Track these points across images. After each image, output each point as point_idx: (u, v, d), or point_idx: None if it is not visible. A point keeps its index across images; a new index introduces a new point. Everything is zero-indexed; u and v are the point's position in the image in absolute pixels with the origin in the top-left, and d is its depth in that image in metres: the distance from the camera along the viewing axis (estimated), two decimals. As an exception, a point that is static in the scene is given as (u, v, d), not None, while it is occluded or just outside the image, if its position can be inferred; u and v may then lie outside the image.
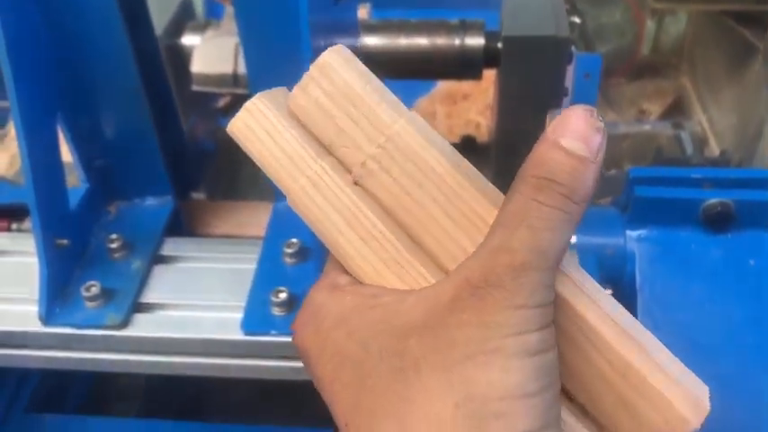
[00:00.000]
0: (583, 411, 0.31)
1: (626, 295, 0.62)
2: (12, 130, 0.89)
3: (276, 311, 0.56)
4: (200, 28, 0.76)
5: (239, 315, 0.57)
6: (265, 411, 0.83)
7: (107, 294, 0.58)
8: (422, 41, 0.78)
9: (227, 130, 0.33)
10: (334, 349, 0.30)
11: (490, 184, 0.31)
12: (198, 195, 0.76)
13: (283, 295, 0.56)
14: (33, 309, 0.57)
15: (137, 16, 0.60)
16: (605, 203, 0.93)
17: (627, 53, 1.40)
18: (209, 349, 0.57)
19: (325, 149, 0.32)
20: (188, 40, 0.75)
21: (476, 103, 1.11)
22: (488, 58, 0.77)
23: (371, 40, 0.78)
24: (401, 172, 0.31)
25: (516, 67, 0.76)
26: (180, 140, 0.69)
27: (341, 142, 0.32)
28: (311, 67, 0.32)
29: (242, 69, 0.68)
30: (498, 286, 0.26)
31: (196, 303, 0.59)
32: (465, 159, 0.32)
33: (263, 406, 0.84)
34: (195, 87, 0.72)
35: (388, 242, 0.31)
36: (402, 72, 0.81)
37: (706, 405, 0.30)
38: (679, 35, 1.40)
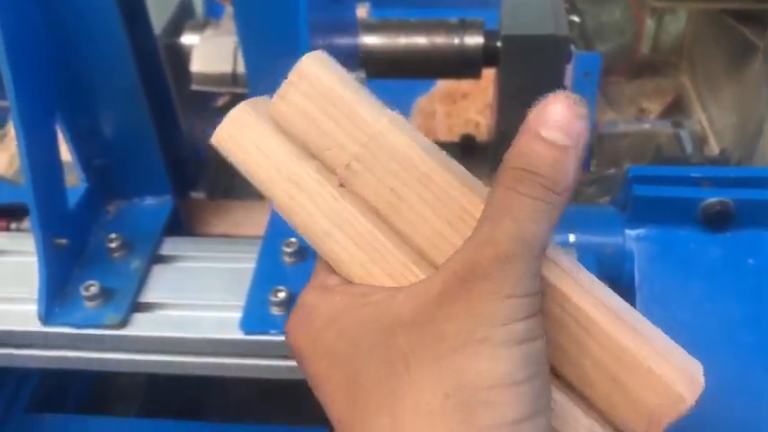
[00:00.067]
0: (580, 397, 0.31)
1: (625, 294, 0.61)
2: (11, 129, 0.89)
3: (275, 311, 0.56)
4: (200, 27, 0.76)
5: (238, 314, 0.57)
6: (265, 411, 0.83)
7: (106, 294, 0.58)
8: (421, 40, 0.78)
9: (212, 140, 0.33)
10: (325, 348, 0.30)
11: (475, 179, 0.31)
12: (197, 195, 0.76)
13: (282, 295, 0.56)
14: (32, 308, 0.57)
15: (135, 15, 0.60)
16: (604, 202, 0.94)
17: (627, 52, 1.40)
18: (209, 349, 0.57)
19: (310, 154, 0.32)
20: (187, 39, 0.75)
21: (475, 102, 1.11)
22: (488, 57, 0.77)
23: (371, 40, 0.78)
24: (385, 170, 0.31)
25: (515, 66, 0.76)
26: (179, 140, 0.69)
27: (324, 145, 0.32)
28: (290, 74, 0.32)
29: (241, 69, 0.68)
30: (484, 277, 0.27)
31: (195, 303, 0.59)
32: (448, 155, 0.32)
33: (263, 405, 0.84)
34: (194, 87, 0.72)
35: (376, 241, 0.31)
36: (401, 71, 0.81)
37: (700, 381, 0.30)
38: (679, 34, 1.40)
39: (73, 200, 0.62)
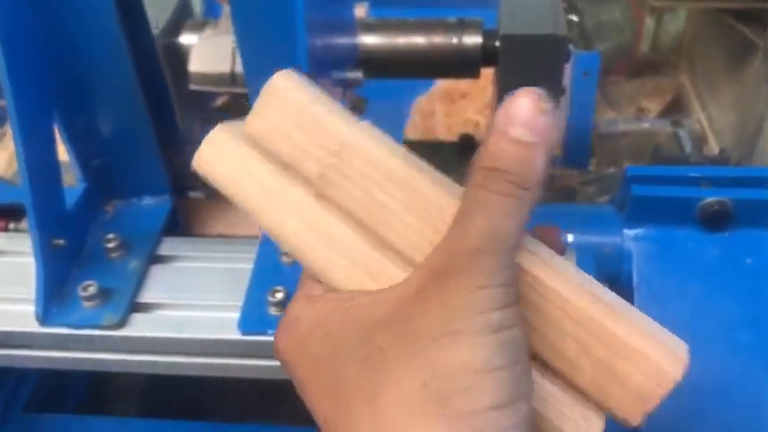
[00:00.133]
0: (569, 384, 0.31)
1: (623, 294, 0.61)
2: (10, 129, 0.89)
3: (273, 311, 0.56)
4: (198, 27, 0.76)
5: (236, 315, 0.57)
6: (265, 411, 0.83)
7: (104, 294, 0.58)
8: (420, 40, 0.78)
9: (193, 165, 0.34)
10: (309, 354, 0.31)
11: (448, 179, 0.32)
12: (195, 195, 0.76)
13: (280, 295, 0.56)
14: (30, 309, 0.57)
15: (133, 14, 0.60)
16: (603, 201, 0.94)
17: (626, 51, 1.40)
18: (207, 349, 0.57)
19: (286, 168, 0.33)
20: (186, 39, 0.75)
21: (474, 101, 1.11)
22: (486, 56, 0.77)
23: (369, 39, 0.78)
24: (361, 176, 0.32)
25: (514, 65, 0.76)
26: (177, 139, 0.69)
27: (298, 157, 0.32)
28: (262, 92, 0.33)
29: (240, 68, 0.68)
30: (458, 272, 0.28)
31: (193, 303, 0.59)
32: (419, 158, 0.32)
33: (263, 405, 0.84)
34: (193, 86, 0.71)
35: (356, 247, 0.32)
36: (400, 71, 0.81)
37: (684, 357, 0.30)
38: (678, 33, 1.40)
39: (70, 200, 0.62)
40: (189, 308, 0.59)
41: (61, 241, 0.58)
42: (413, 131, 1.16)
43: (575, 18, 1.24)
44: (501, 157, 0.28)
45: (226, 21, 0.74)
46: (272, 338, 0.55)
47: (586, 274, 0.32)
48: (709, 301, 0.59)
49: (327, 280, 0.32)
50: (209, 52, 0.71)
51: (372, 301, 0.30)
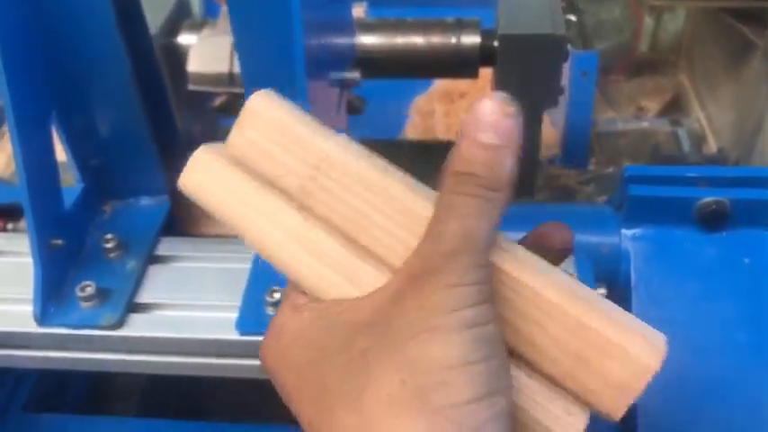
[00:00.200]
0: (551, 380, 0.31)
1: (621, 294, 0.62)
2: (9, 129, 0.89)
3: (271, 311, 0.56)
4: (197, 27, 0.76)
5: (234, 315, 0.57)
6: (264, 411, 0.83)
7: (102, 294, 0.58)
8: (418, 40, 0.78)
9: (178, 186, 0.35)
10: (293, 362, 0.32)
11: (426, 188, 0.33)
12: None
13: (278, 295, 0.56)
14: (28, 309, 0.57)
15: (130, 15, 0.60)
16: (602, 201, 0.94)
17: (625, 50, 1.40)
18: (205, 349, 0.57)
19: (269, 184, 0.34)
20: (184, 39, 0.75)
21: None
22: (485, 56, 0.77)
23: (368, 39, 0.78)
24: (339, 187, 0.33)
25: (512, 65, 0.76)
26: (175, 139, 0.69)
27: (279, 172, 0.34)
28: (242, 111, 0.34)
29: (238, 68, 0.68)
30: (433, 273, 0.29)
31: (191, 303, 0.59)
32: (397, 168, 0.33)
33: (262, 405, 0.84)
34: (191, 87, 0.72)
35: (339, 256, 0.33)
36: (398, 71, 0.81)
37: (662, 347, 0.30)
38: (677, 32, 1.40)
39: (69, 200, 0.62)
40: (187, 308, 0.59)
41: (59, 241, 0.58)
42: (412, 131, 1.16)
43: (573, 18, 1.24)
44: (470, 162, 0.29)
45: (224, 21, 0.74)
46: (269, 338, 0.55)
47: (560, 270, 0.33)
48: (706, 301, 0.59)
49: (311, 290, 0.33)
50: (207, 52, 0.71)
51: (353, 307, 0.31)
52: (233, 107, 0.73)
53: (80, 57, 0.58)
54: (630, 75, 1.39)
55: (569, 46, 0.77)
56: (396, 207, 0.32)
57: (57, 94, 0.59)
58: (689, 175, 0.61)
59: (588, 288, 0.32)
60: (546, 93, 0.77)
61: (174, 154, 0.68)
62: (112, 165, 0.65)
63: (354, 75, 0.70)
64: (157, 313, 0.59)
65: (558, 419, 0.31)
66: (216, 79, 0.71)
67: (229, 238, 0.68)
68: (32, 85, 0.55)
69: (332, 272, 0.33)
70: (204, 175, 0.35)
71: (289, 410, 0.33)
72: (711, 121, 1.22)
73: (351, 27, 0.76)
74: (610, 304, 0.32)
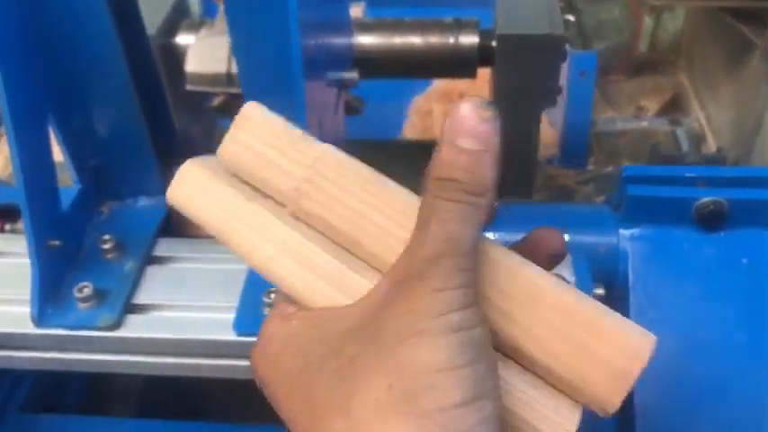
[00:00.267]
0: (545, 373, 0.32)
1: (619, 294, 0.62)
2: (7, 130, 0.89)
3: (268, 312, 0.56)
4: (195, 27, 0.76)
5: (232, 316, 0.57)
6: (263, 411, 0.83)
7: (100, 295, 0.58)
8: (416, 40, 0.78)
9: (167, 199, 0.36)
10: (282, 371, 0.32)
11: (412, 193, 0.34)
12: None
13: (275, 296, 0.56)
14: (26, 310, 0.57)
15: (127, 15, 0.60)
16: (601, 200, 0.93)
17: (625, 50, 1.40)
18: (202, 350, 0.57)
19: (258, 191, 0.34)
20: (182, 39, 0.75)
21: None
22: (483, 56, 0.77)
23: (366, 39, 0.78)
24: (336, 187, 0.33)
25: (511, 65, 0.76)
26: (173, 140, 0.69)
27: (272, 175, 0.34)
28: (236, 118, 0.35)
29: (236, 69, 0.68)
30: (419, 277, 0.29)
31: (189, 304, 0.59)
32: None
33: (262, 406, 0.83)
34: (189, 87, 0.71)
35: (328, 263, 0.33)
36: (397, 71, 0.81)
37: (652, 336, 0.31)
38: (677, 32, 1.40)
39: (66, 201, 0.62)
40: (185, 309, 0.59)
41: (56, 242, 0.58)
42: (411, 131, 1.16)
43: (571, 18, 1.24)
44: (451, 167, 0.29)
45: (222, 21, 0.74)
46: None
47: (549, 273, 0.33)
48: (705, 301, 0.59)
49: (301, 299, 0.33)
50: (205, 53, 0.71)
51: (341, 314, 0.31)
52: (231, 107, 0.73)
53: (77, 57, 0.58)
54: (630, 74, 1.39)
55: (568, 46, 0.77)
56: (396, 207, 0.32)
57: (54, 94, 0.59)
58: (687, 175, 0.61)
59: (576, 288, 0.33)
60: (544, 93, 0.77)
61: (172, 154, 0.68)
62: (110, 165, 0.65)
63: (352, 75, 0.70)
64: (155, 314, 0.59)
65: (547, 420, 0.31)
66: (214, 79, 0.71)
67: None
68: (29, 85, 0.55)
69: (320, 281, 0.33)
70: (192, 188, 0.35)
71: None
72: (711, 120, 1.22)
73: (348, 27, 0.76)
74: (597, 302, 0.32)
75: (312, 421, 0.30)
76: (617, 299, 0.61)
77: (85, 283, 0.58)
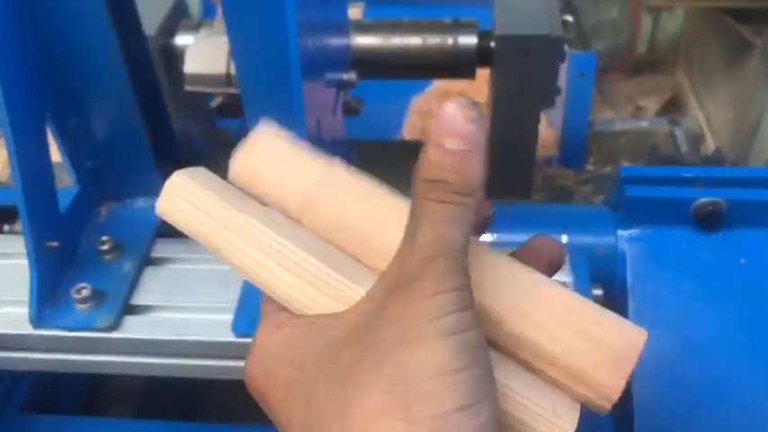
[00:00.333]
0: (550, 367, 0.32)
1: (617, 294, 0.62)
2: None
3: (267, 313, 0.56)
4: (194, 28, 0.76)
5: (230, 316, 0.57)
6: (260, 413, 0.83)
7: (98, 296, 0.58)
8: (415, 41, 0.78)
9: (156, 213, 0.36)
10: (278, 380, 0.31)
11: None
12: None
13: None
14: (24, 311, 0.57)
15: (125, 16, 0.60)
16: (600, 201, 0.93)
17: (624, 50, 1.40)
18: (201, 351, 0.57)
19: (258, 200, 0.35)
20: (181, 40, 0.75)
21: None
22: (482, 57, 0.77)
23: (365, 40, 0.78)
24: (347, 192, 0.33)
25: (509, 66, 0.76)
26: (171, 141, 0.69)
27: (286, 179, 0.35)
28: (251, 133, 0.36)
29: (234, 69, 0.68)
30: (412, 281, 0.29)
31: (187, 305, 0.59)
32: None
33: (258, 407, 0.83)
34: (188, 87, 0.71)
35: (320, 271, 0.33)
36: (396, 71, 0.81)
37: (644, 329, 0.32)
38: (676, 32, 1.40)
39: (64, 202, 0.61)
40: (183, 310, 0.59)
41: (54, 243, 0.58)
42: (410, 131, 1.16)
43: (570, 18, 1.24)
44: (438, 168, 0.29)
45: (221, 22, 0.74)
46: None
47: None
48: (703, 302, 0.59)
49: (293, 307, 0.33)
50: (204, 53, 0.71)
51: (335, 321, 0.31)
52: (230, 108, 0.73)
53: (75, 58, 0.58)
54: (629, 74, 1.39)
55: (567, 46, 0.77)
56: (392, 217, 0.32)
57: (52, 95, 0.59)
58: (685, 175, 0.61)
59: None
60: (543, 93, 0.77)
61: (170, 155, 0.68)
62: (108, 166, 0.65)
63: (351, 76, 0.70)
64: (153, 315, 0.59)
65: (544, 420, 0.31)
66: (213, 80, 0.71)
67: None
68: (27, 86, 0.55)
69: (313, 289, 0.33)
70: (181, 199, 0.35)
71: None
72: (710, 120, 1.22)
73: (346, 28, 0.76)
74: (593, 302, 0.33)
75: (309, 427, 0.29)
76: (615, 299, 0.61)
77: (84, 284, 0.58)
